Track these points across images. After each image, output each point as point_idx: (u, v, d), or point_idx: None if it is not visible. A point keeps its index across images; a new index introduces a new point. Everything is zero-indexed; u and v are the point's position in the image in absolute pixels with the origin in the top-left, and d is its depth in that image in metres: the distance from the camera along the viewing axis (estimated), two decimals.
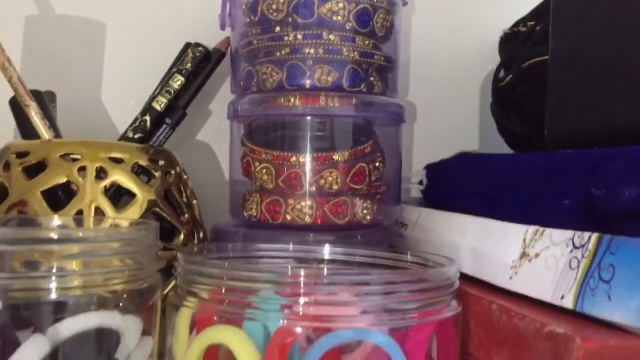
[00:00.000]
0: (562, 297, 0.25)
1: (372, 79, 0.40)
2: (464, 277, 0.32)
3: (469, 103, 0.53)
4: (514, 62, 0.43)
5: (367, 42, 0.40)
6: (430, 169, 0.48)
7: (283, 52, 0.39)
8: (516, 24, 0.47)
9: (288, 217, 0.39)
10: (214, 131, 0.49)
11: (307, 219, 0.39)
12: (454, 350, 0.29)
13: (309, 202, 0.39)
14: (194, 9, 0.48)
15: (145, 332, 0.28)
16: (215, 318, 0.27)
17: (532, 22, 0.45)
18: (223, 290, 0.27)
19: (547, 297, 0.26)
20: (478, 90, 0.54)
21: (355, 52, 0.39)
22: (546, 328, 0.24)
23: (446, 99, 0.53)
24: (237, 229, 0.40)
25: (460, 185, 0.42)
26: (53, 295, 0.25)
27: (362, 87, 0.39)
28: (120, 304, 0.27)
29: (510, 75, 0.42)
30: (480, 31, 0.53)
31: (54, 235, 0.25)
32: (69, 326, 0.25)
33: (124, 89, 0.47)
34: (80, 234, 0.27)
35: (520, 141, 0.43)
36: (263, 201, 0.39)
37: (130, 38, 0.48)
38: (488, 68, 0.50)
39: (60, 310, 0.25)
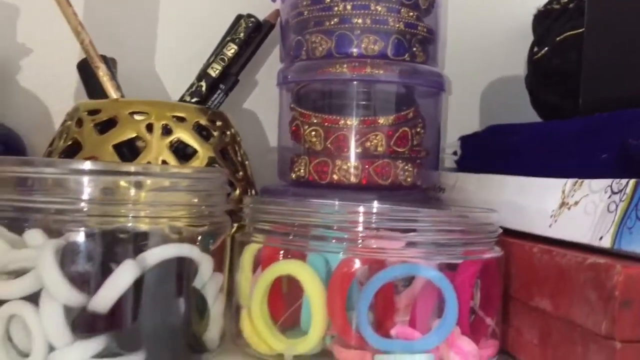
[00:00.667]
0: (601, 238, 0.28)
1: (414, 49, 0.42)
2: (503, 231, 0.34)
3: (500, 79, 0.56)
4: (549, 37, 0.45)
5: (411, 13, 0.42)
6: (464, 140, 0.50)
7: (332, 22, 0.41)
8: (549, 2, 0.49)
9: (335, 177, 0.41)
10: (260, 99, 0.52)
11: (353, 179, 0.41)
12: (497, 291, 0.32)
13: (354, 163, 0.41)
14: None
15: (216, 269, 0.31)
16: (281, 252, 0.30)
17: (565, 0, 0.47)
18: (288, 227, 0.30)
19: (585, 239, 0.29)
20: (508, 66, 0.56)
21: (400, 23, 0.42)
22: (588, 261, 0.26)
23: (478, 75, 0.55)
24: (287, 188, 0.43)
25: (495, 152, 0.44)
26: (141, 226, 0.28)
27: (405, 56, 0.42)
28: (197, 241, 0.29)
29: (546, 49, 0.45)
30: (511, 9, 0.55)
31: (142, 170, 0.28)
32: (154, 254, 0.27)
33: (176, 58, 0.50)
34: (165, 170, 0.30)
35: (553, 111, 0.46)
36: (311, 162, 0.42)
37: (184, 8, 0.50)
38: (518, 45, 0.52)
39: (145, 240, 0.28)
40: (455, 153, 0.50)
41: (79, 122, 0.38)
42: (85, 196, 0.27)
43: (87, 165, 0.28)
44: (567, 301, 0.27)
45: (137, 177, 0.27)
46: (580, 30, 0.40)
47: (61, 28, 0.41)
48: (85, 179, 0.27)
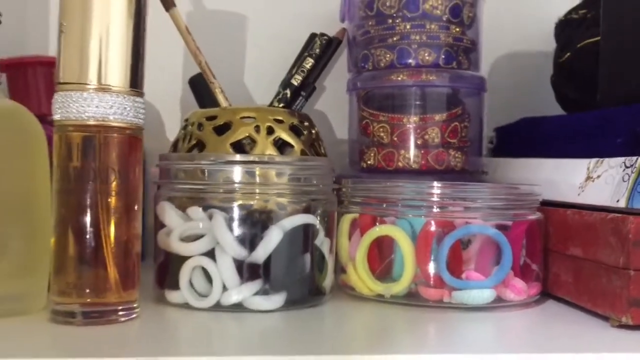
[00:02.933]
0: (618, 201, 0.37)
1: (460, 58, 0.52)
2: (542, 202, 0.44)
3: (529, 78, 0.65)
4: (571, 43, 0.55)
5: (457, 29, 0.52)
6: (499, 131, 0.60)
7: (395, 38, 0.51)
8: (569, 12, 0.58)
9: (400, 164, 0.51)
10: (328, 102, 0.62)
11: (414, 166, 0.51)
12: (539, 245, 0.42)
13: (415, 153, 0.51)
14: (311, 5, 0.61)
15: (327, 235, 0.41)
16: (377, 219, 0.40)
17: (584, 11, 0.57)
18: (380, 200, 0.40)
19: (606, 203, 0.38)
20: (535, 67, 0.65)
21: (449, 38, 0.51)
22: (609, 216, 0.36)
23: (510, 75, 0.65)
24: (359, 174, 0.53)
25: (525, 140, 0.54)
26: (280, 200, 0.38)
27: (453, 64, 0.52)
28: (316, 213, 0.39)
29: (569, 54, 0.54)
30: (535, 20, 0.64)
31: (284, 160, 0.38)
32: (291, 221, 0.38)
33: (260, 70, 0.60)
34: (291, 159, 0.40)
35: (575, 105, 0.55)
36: (379, 153, 0.52)
37: (267, 29, 0.61)
38: (543, 49, 0.61)
39: (283, 211, 0.38)
40: (491, 142, 0.60)
41: (200, 126, 0.48)
42: (237, 179, 0.37)
43: (237, 157, 0.38)
44: (594, 247, 0.37)
45: (280, 165, 0.38)
46: (597, 39, 0.50)
47: (170, 52, 0.51)
48: (237, 168, 0.38)
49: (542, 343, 0.33)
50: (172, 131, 0.59)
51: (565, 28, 0.58)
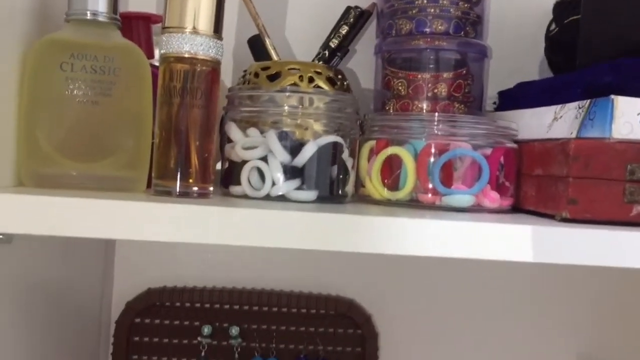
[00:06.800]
0: (571, 133, 0.50)
1: (467, 28, 0.65)
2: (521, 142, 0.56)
3: (527, 48, 0.77)
4: (559, 20, 0.66)
5: (466, 5, 0.64)
6: (500, 94, 0.72)
7: (414, 11, 0.64)
8: None
9: (414, 112, 0.64)
10: (357, 61, 0.75)
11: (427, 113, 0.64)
12: (514, 169, 0.54)
13: (427, 103, 0.64)
14: None
15: (350, 155, 0.54)
16: (389, 143, 0.53)
17: None
18: (392, 129, 0.53)
19: (565, 135, 0.51)
20: (533, 39, 0.77)
21: (458, 11, 0.64)
22: (560, 141, 0.48)
23: (512, 45, 0.76)
24: None
25: (519, 99, 0.66)
26: (314, 128, 0.51)
27: (461, 33, 0.64)
28: (345, 136, 0.53)
29: (557, 29, 0.66)
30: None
31: (317, 92, 0.51)
32: (324, 139, 0.51)
33: (304, 35, 0.74)
34: (332, 94, 0.53)
35: (561, 70, 0.67)
36: (397, 103, 0.65)
37: (310, 2, 0.74)
38: (541, 24, 0.73)
39: (317, 131, 0.51)
40: (494, 103, 0.72)
41: (256, 75, 0.62)
42: (284, 107, 0.51)
43: (286, 89, 0.51)
44: (549, 165, 0.50)
45: (318, 96, 0.51)
46: (579, 16, 0.61)
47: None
48: (285, 96, 0.51)
49: (507, 221, 0.45)
50: (226, 78, 0.72)
51: (559, 6, 0.70)
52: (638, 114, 0.46)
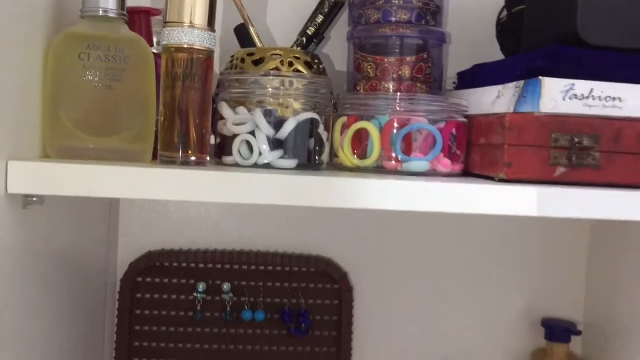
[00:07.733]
0: (510, 108, 0.59)
1: (428, 17, 0.74)
2: (471, 117, 0.65)
3: (483, 35, 0.86)
4: (509, 9, 0.76)
5: None
6: (459, 74, 0.81)
7: (381, 2, 0.73)
8: None
9: (381, 91, 0.73)
10: (330, 47, 0.83)
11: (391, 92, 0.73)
12: (464, 140, 0.64)
13: (392, 84, 0.73)
14: None
15: (325, 128, 0.63)
16: (358, 118, 0.62)
17: None
18: (362, 107, 0.62)
19: (504, 110, 0.60)
20: (488, 27, 0.86)
21: (420, 2, 0.73)
22: (499, 115, 0.58)
23: (469, 31, 0.85)
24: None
25: (473, 79, 0.75)
26: (294, 104, 0.60)
27: (422, 22, 0.73)
28: (321, 113, 0.62)
29: (506, 16, 0.76)
30: None
31: (295, 75, 0.60)
32: (302, 115, 0.60)
33: (284, 23, 0.82)
34: (308, 77, 0.62)
35: (510, 53, 0.77)
36: (367, 83, 0.74)
37: None
38: (497, 12, 0.82)
39: (296, 111, 0.60)
40: (454, 82, 0.82)
41: (242, 60, 0.71)
42: (268, 88, 0.60)
43: (269, 73, 0.60)
44: (490, 135, 0.59)
45: (297, 79, 0.60)
46: (524, 6, 0.71)
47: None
48: (268, 79, 0.60)
49: (454, 181, 0.55)
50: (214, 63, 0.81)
51: None
52: (560, 92, 0.56)
